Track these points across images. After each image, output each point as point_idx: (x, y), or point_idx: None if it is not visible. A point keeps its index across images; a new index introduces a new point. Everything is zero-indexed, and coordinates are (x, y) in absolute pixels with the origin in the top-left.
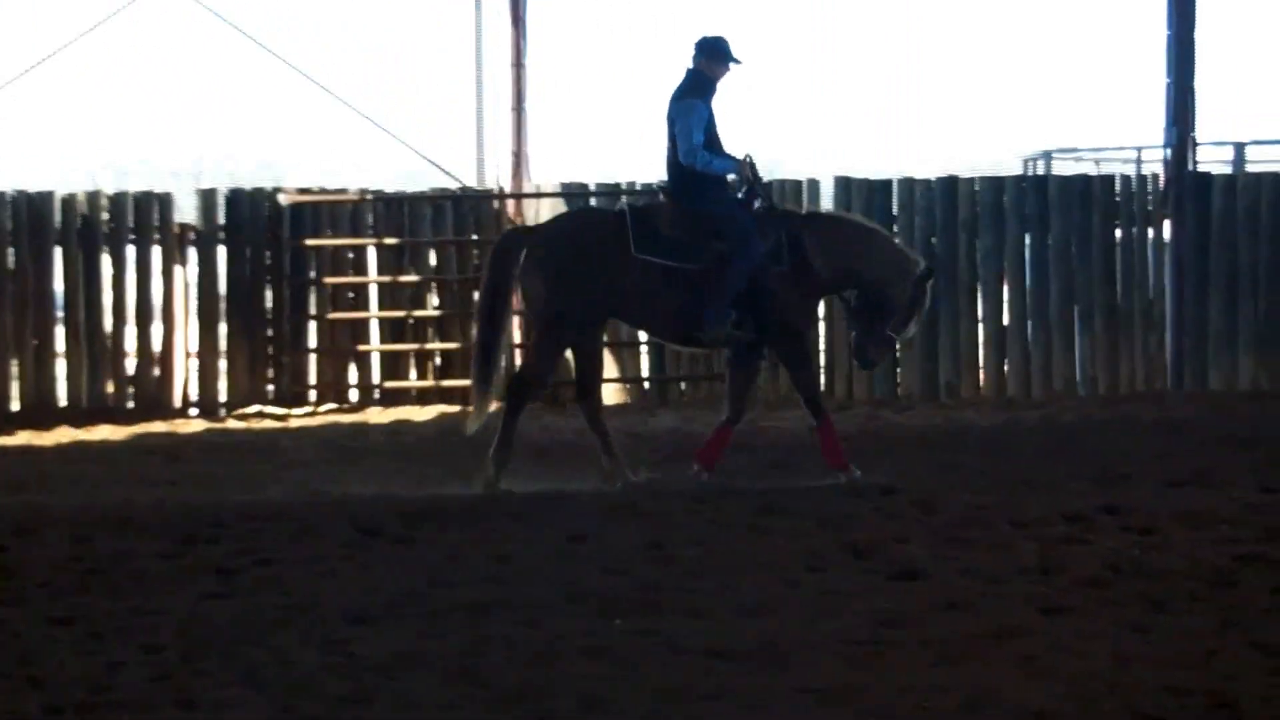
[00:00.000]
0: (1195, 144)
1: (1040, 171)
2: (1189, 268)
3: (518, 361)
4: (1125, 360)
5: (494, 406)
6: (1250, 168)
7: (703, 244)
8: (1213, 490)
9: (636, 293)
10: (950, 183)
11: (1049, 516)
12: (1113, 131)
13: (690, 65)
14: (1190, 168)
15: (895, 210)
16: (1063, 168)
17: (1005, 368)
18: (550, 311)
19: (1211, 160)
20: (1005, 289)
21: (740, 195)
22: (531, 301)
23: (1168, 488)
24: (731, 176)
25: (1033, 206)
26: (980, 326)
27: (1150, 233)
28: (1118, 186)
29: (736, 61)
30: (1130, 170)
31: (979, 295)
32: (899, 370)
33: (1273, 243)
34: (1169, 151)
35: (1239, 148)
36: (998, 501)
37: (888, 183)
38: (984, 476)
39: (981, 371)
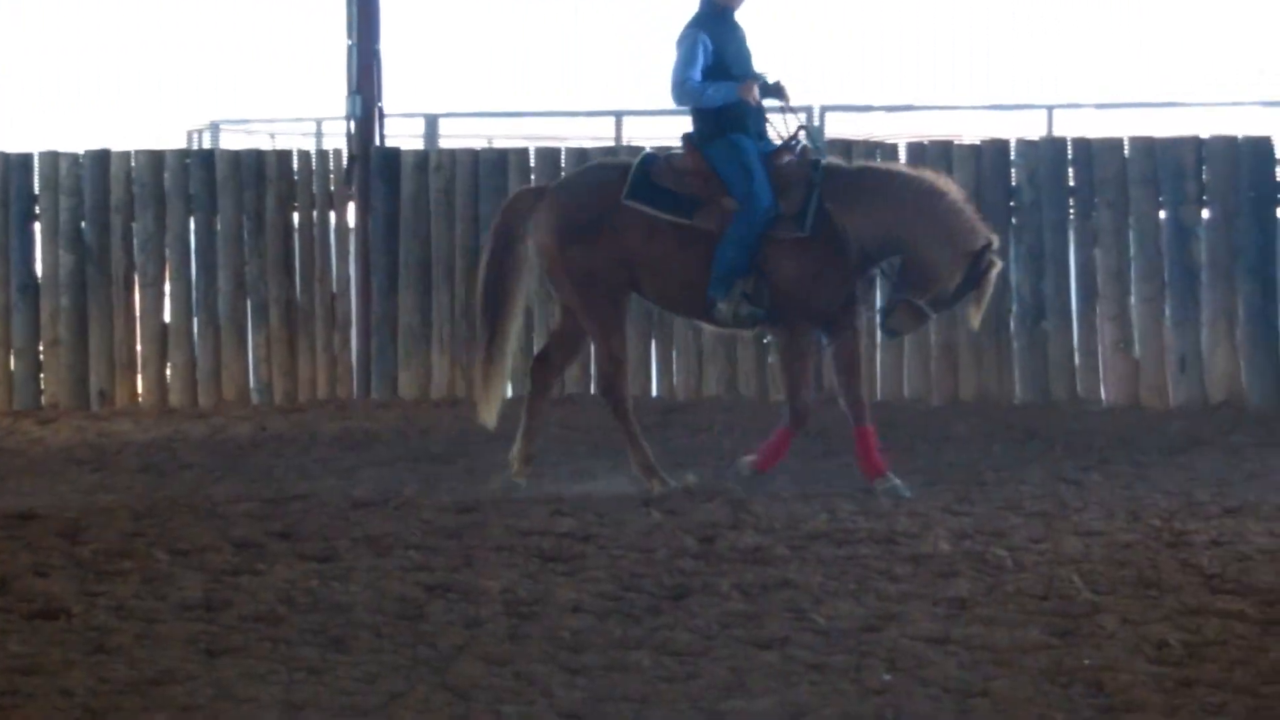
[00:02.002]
0: (383, 116)
1: (206, 145)
2: (377, 257)
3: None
4: (305, 364)
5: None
6: (444, 142)
7: (709, 198)
8: (399, 512)
9: (638, 255)
10: (102, 157)
11: (215, 544)
12: (290, 101)
13: None
14: (378, 143)
15: (38, 189)
16: (233, 141)
17: (168, 372)
18: (566, 283)
19: (401, 134)
20: (167, 281)
21: (781, 143)
22: (552, 273)
23: (351, 509)
24: (795, 125)
25: (198, 185)
26: (139, 324)
27: (333, 217)
28: (295, 163)
29: None
30: (310, 145)
31: (137, 288)
32: (42, 375)
33: (469, 229)
34: (352, 124)
35: (431, 120)
36: (156, 528)
37: (27, 157)
38: (141, 499)
39: (140, 376)
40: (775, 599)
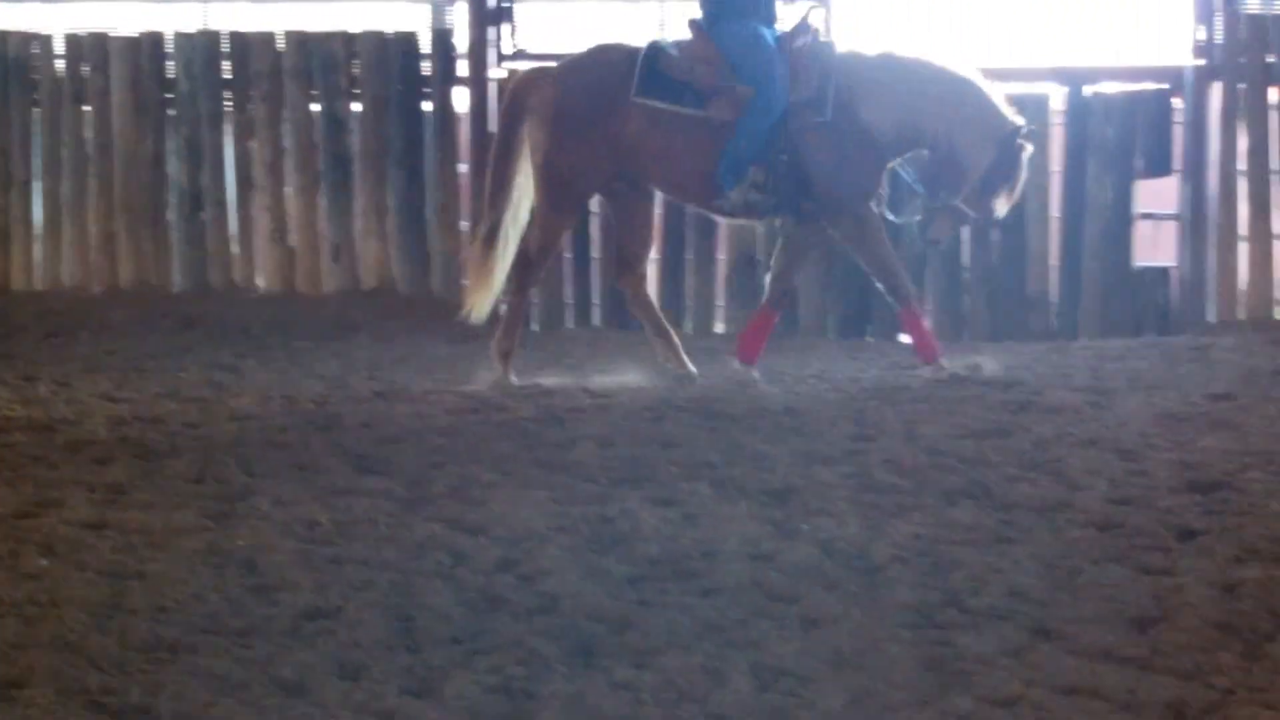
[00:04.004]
0: None
1: None
2: None
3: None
4: None
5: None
6: None
7: (720, 86)
8: None
9: (644, 147)
10: None
11: None
12: None
13: None
14: None
15: None
16: None
17: None
18: (543, 169)
19: None
20: None
21: (794, 27)
22: (533, 156)
23: None
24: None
25: None
26: None
27: None
28: None
29: None
30: None
31: None
32: None
33: None
34: None
35: None
36: None
37: None
38: None
39: None
40: None
